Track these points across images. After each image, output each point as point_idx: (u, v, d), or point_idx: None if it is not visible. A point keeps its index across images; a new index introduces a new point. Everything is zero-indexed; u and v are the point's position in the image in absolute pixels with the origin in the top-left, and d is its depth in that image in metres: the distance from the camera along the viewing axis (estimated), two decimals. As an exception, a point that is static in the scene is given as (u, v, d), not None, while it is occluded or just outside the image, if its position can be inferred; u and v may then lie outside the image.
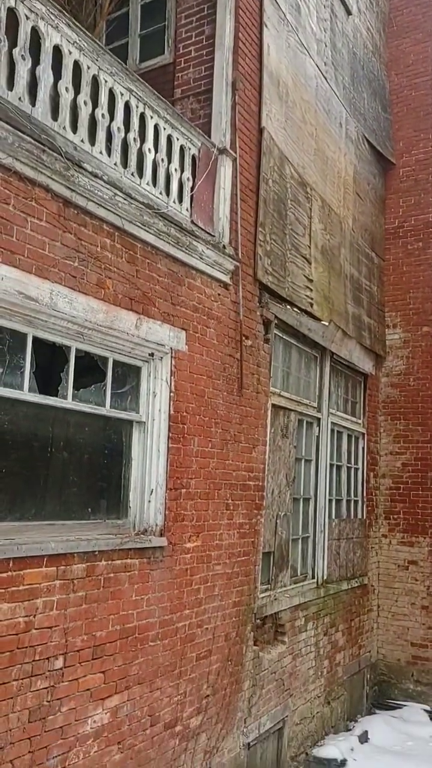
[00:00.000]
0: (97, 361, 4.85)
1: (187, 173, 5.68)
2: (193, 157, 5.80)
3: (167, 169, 5.47)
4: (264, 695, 6.37)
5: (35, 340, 4.27)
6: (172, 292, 5.37)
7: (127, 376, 5.13)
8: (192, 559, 5.44)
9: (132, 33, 7.45)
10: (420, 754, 7.49)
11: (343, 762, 7.02)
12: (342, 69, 8.86)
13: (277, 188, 6.94)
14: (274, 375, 6.97)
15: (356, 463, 9.13)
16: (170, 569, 5.17)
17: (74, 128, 4.53)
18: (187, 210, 5.63)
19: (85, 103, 4.60)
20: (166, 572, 5.12)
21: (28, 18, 4.15)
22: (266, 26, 6.84)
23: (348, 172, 8.91)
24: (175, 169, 5.53)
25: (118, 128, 4.92)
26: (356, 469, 9.12)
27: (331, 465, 8.32)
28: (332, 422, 8.31)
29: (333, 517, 8.29)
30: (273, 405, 6.87)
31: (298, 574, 7.53)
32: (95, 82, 4.74)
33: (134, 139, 5.09)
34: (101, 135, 4.76)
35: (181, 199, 5.60)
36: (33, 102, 4.19)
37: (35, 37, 4.24)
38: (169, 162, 5.50)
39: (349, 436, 8.94)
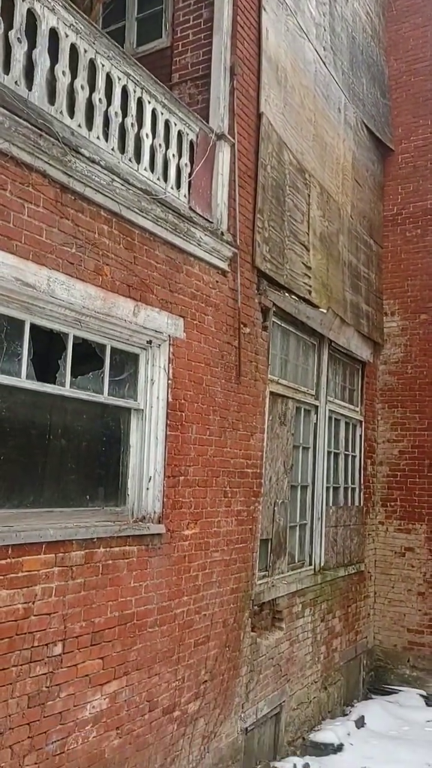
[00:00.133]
0: (94, 348, 4.83)
1: (185, 159, 5.64)
2: (191, 143, 5.75)
3: (165, 154, 5.43)
4: (261, 681, 6.41)
5: (33, 327, 4.25)
6: (170, 279, 5.34)
7: (125, 363, 5.12)
8: (190, 546, 5.45)
9: (129, 16, 7.36)
10: (416, 738, 7.56)
11: (340, 746, 7.09)
12: (341, 54, 8.78)
13: (276, 174, 6.90)
14: (272, 362, 6.96)
15: (354, 450, 9.15)
16: (168, 556, 5.18)
17: (71, 113, 4.48)
18: (185, 196, 5.60)
19: (82, 87, 4.55)
20: (165, 559, 5.13)
21: (24, 0, 4.10)
22: (265, 10, 6.77)
23: (347, 159, 8.86)
24: (173, 155, 5.49)
25: (116, 113, 4.88)
26: (353, 457, 9.14)
27: (329, 452, 8.33)
28: (330, 410, 8.32)
29: (330, 504, 8.31)
30: (271, 392, 6.87)
31: (296, 560, 7.56)
32: (92, 66, 4.69)
33: (132, 124, 5.04)
34: (99, 120, 4.71)
35: (179, 185, 5.56)
36: (30, 86, 4.14)
37: (31, 19, 4.18)
38: (167, 147, 5.46)
39: (347, 424, 8.95)
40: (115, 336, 4.88)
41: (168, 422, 5.25)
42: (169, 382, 5.28)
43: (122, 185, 4.71)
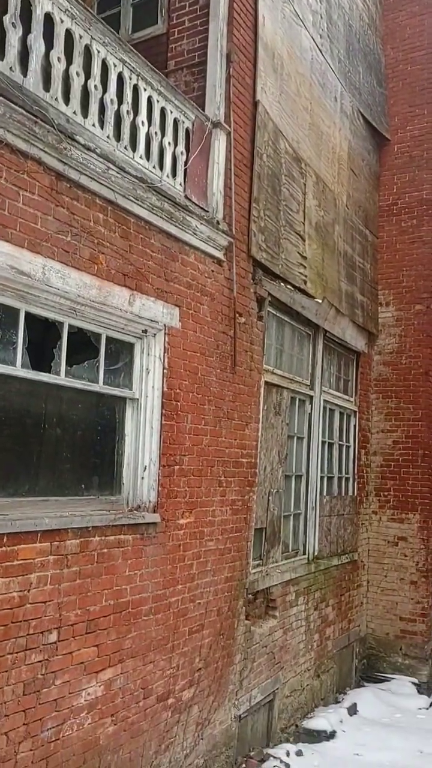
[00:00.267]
0: (90, 337, 4.82)
1: (181, 147, 5.61)
2: (187, 131, 5.72)
3: (161, 142, 5.39)
4: (255, 668, 6.46)
5: (28, 315, 4.23)
6: (166, 268, 5.33)
7: (120, 352, 5.11)
8: (185, 535, 5.47)
9: (124, 2, 7.29)
10: (408, 725, 7.65)
11: (333, 733, 7.15)
12: (337, 42, 8.73)
13: (272, 163, 6.87)
14: (267, 352, 6.96)
15: (348, 440, 9.18)
16: (163, 545, 5.20)
17: (66, 100, 4.44)
18: (180, 185, 5.57)
19: (77, 73, 4.51)
20: (159, 548, 5.15)
21: (18, -16, 4.05)
22: (261, -4, 6.71)
23: (342, 148, 8.83)
24: (169, 143, 5.46)
25: (111, 100, 4.84)
26: (348, 447, 9.17)
27: (323, 442, 8.35)
28: (324, 400, 8.33)
29: (324, 494, 8.35)
30: (266, 382, 6.87)
31: (290, 550, 7.60)
32: (88, 53, 4.64)
33: (127, 111, 5.00)
34: (94, 107, 4.67)
35: (174, 174, 5.53)
36: (24, 72, 4.10)
37: (26, 4, 4.13)
38: (163, 135, 5.42)
39: (341, 414, 8.97)
40: (110, 325, 4.86)
41: (163, 412, 5.25)
42: (165, 371, 5.27)
43: (118, 173, 4.68)
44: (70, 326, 4.56)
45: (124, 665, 4.75)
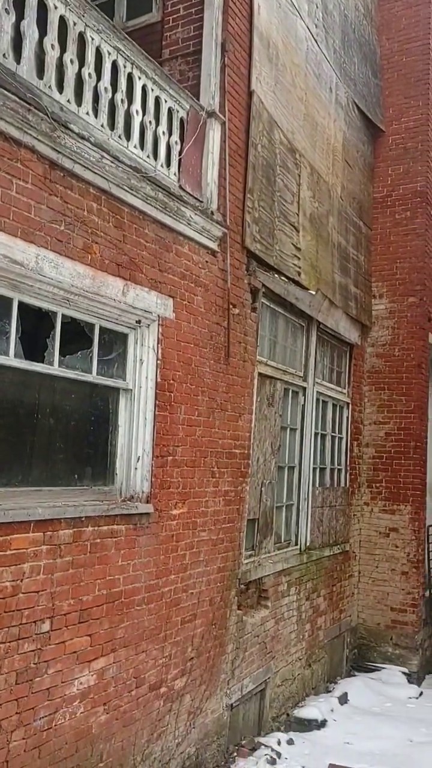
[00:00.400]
0: (83, 327, 4.80)
1: (175, 137, 5.58)
2: (182, 120, 5.69)
3: (155, 132, 5.36)
4: (247, 658, 6.50)
5: (21, 305, 4.21)
6: (160, 258, 5.31)
7: (114, 343, 5.10)
8: (178, 525, 5.48)
9: (119, -11, 7.24)
10: (398, 715, 7.72)
11: (323, 722, 7.21)
12: (333, 32, 8.69)
13: (266, 154, 6.85)
14: (261, 344, 6.96)
15: (340, 432, 9.21)
16: (156, 535, 5.21)
17: (60, 88, 4.41)
18: (174, 174, 5.54)
19: (71, 61, 4.47)
20: (152, 538, 5.16)
21: (12, -30, 4.01)
22: (257, -15, 6.67)
23: (337, 139, 8.80)
24: (163, 132, 5.43)
25: (106, 89, 4.81)
26: (340, 439, 9.20)
27: (316, 434, 8.38)
28: (317, 392, 8.35)
29: (317, 485, 8.38)
30: (259, 374, 6.88)
31: (282, 540, 7.63)
32: (82, 40, 4.60)
33: (122, 100, 4.97)
34: (88, 95, 4.64)
35: (168, 164, 5.51)
36: (18, 59, 4.06)
37: (20, -10, 4.09)
38: (157, 125, 5.39)
39: (334, 406, 8.99)
40: (104, 315, 4.85)
41: (157, 402, 5.25)
42: (158, 362, 5.27)
43: (112, 162, 4.66)
44: (64, 316, 4.55)
45: (116, 654, 4.76)
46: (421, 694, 8.51)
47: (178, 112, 5.63)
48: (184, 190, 5.56)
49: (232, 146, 6.25)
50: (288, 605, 7.38)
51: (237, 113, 6.37)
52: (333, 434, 8.96)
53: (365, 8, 9.81)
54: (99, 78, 4.76)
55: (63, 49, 4.41)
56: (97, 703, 4.58)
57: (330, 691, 8.17)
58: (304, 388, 8.04)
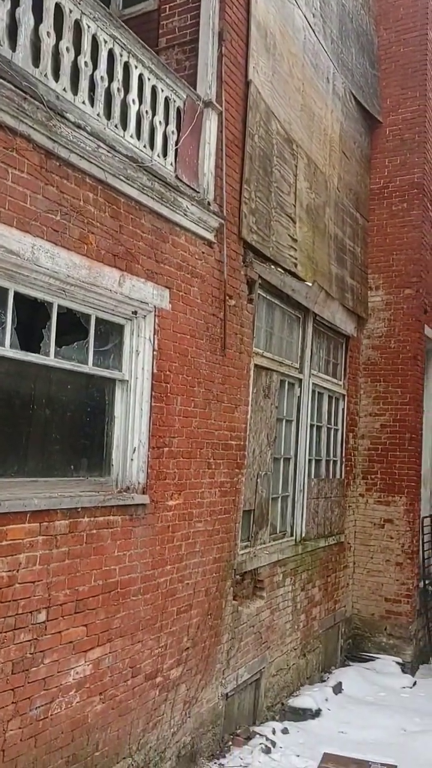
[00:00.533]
0: (79, 318, 4.79)
1: (172, 126, 5.55)
2: (178, 110, 5.66)
3: (151, 121, 5.33)
4: (242, 648, 6.53)
5: (17, 295, 4.20)
6: (156, 249, 5.29)
7: (110, 334, 5.09)
8: (174, 516, 5.49)
9: (115, -23, 7.17)
10: (392, 704, 7.78)
11: (318, 712, 7.26)
12: (330, 21, 8.64)
13: (263, 144, 6.82)
14: (257, 335, 6.96)
15: (336, 424, 9.22)
16: (152, 526, 5.22)
17: (56, 76, 4.37)
18: (171, 164, 5.52)
19: (67, 49, 4.43)
20: (148, 529, 5.17)
21: None
22: (254, -26, 6.62)
23: (334, 130, 8.77)
24: (160, 122, 5.40)
25: (102, 77, 4.77)
26: (336, 430, 9.22)
27: (312, 426, 8.39)
28: (313, 383, 8.36)
29: (312, 476, 8.40)
30: (256, 365, 6.88)
31: (277, 531, 7.65)
32: (78, 28, 4.57)
33: (118, 89, 4.93)
34: (84, 84, 4.61)
35: (165, 154, 5.48)
36: (13, 47, 4.03)
37: (15, -23, 4.05)
38: (154, 114, 5.36)
39: (330, 398, 9.01)
40: (100, 306, 4.83)
41: (153, 393, 5.24)
42: (155, 353, 5.26)
43: (108, 152, 4.63)
44: (60, 307, 4.53)
45: (112, 644, 4.78)
46: (414, 683, 8.57)
47: (174, 101, 5.59)
48: (180, 181, 5.53)
49: (229, 136, 6.22)
50: (283, 596, 7.41)
51: (234, 103, 6.34)
52: (329, 426, 8.98)
53: (363, -2, 9.75)
54: (95, 67, 4.72)
55: (59, 37, 4.38)
56: (93, 693, 4.60)
57: (324, 681, 8.23)
58: (300, 380, 8.04)
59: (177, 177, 5.52)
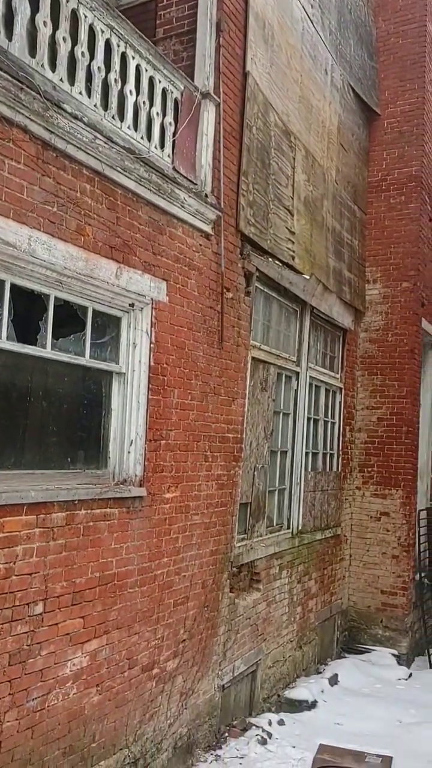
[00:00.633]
0: (76, 310, 4.78)
1: (170, 118, 5.52)
2: (176, 101, 5.62)
3: (149, 112, 5.30)
4: (239, 640, 6.55)
5: (13, 287, 4.18)
6: (153, 241, 5.27)
7: (107, 326, 5.07)
8: (171, 509, 5.49)
9: (112, -34, 7.11)
10: (387, 696, 7.82)
11: (314, 703, 7.30)
12: (329, 12, 8.59)
13: (261, 136, 6.79)
14: (255, 328, 6.95)
15: (333, 417, 9.23)
16: (149, 518, 5.22)
17: (53, 67, 4.34)
18: (168, 156, 5.49)
19: (64, 39, 4.40)
20: (145, 521, 5.17)
21: None
22: (253, -36, 6.57)
23: (332, 122, 8.74)
24: (157, 113, 5.37)
25: (99, 68, 4.74)
26: (333, 423, 9.23)
27: (309, 419, 8.40)
28: (311, 376, 8.35)
29: (309, 469, 8.41)
30: (253, 358, 6.87)
31: (274, 524, 7.67)
32: (74, 17, 4.53)
33: (115, 80, 4.90)
34: (81, 74, 4.57)
35: (162, 145, 5.45)
36: (9, 36, 4.00)
37: (11, -35, 4.01)
38: (151, 105, 5.33)
39: (327, 391, 9.01)
40: (97, 298, 4.82)
41: (150, 386, 5.24)
42: (152, 345, 5.25)
43: (105, 143, 4.60)
44: (57, 299, 4.52)
45: (109, 636, 4.79)
46: (410, 675, 8.62)
47: (172, 92, 5.56)
48: (178, 172, 5.51)
49: (226, 128, 6.20)
50: (280, 588, 7.43)
51: (232, 95, 6.30)
52: (326, 419, 8.98)
53: (362, -11, 9.70)
54: (92, 57, 4.69)
55: (56, 27, 4.34)
56: (89, 685, 4.61)
57: (320, 673, 8.26)
58: (298, 373, 8.04)
59: (174, 169, 5.49)
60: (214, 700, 6.14)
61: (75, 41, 4.52)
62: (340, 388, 9.35)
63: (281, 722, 6.60)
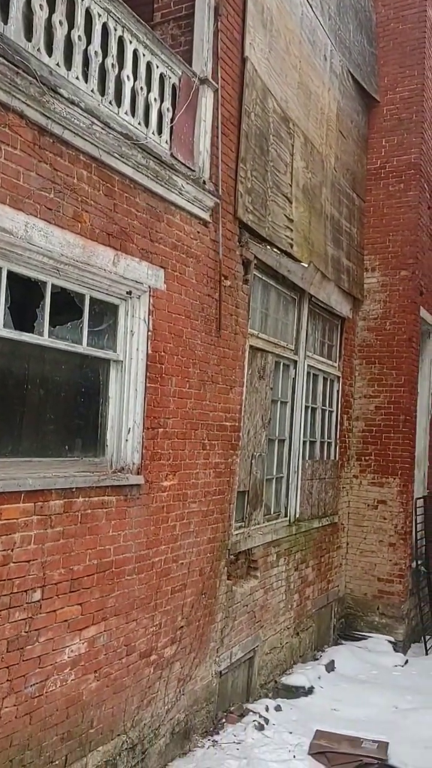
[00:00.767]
0: (73, 297, 4.75)
1: (167, 103, 5.47)
2: (174, 87, 5.58)
3: (146, 98, 5.26)
4: (236, 627, 6.58)
5: (10, 274, 4.16)
6: (151, 228, 5.24)
7: (105, 314, 5.05)
8: (168, 497, 5.50)
9: None
10: (384, 682, 7.87)
11: (311, 689, 7.35)
12: (328, -3, 8.51)
13: (259, 122, 6.74)
14: (253, 316, 6.93)
15: (331, 405, 9.23)
16: (147, 506, 5.23)
17: (49, 51, 4.29)
18: (166, 142, 5.45)
19: (60, 23, 4.35)
20: (143, 509, 5.18)
21: None
22: None
23: (331, 109, 8.68)
24: (155, 99, 5.32)
25: (96, 52, 4.69)
26: (330, 412, 9.23)
27: (306, 407, 8.40)
28: (308, 365, 8.35)
29: (307, 458, 8.42)
30: (251, 346, 6.86)
31: (272, 512, 7.69)
32: (71, 1, 4.47)
33: (112, 65, 4.86)
34: (78, 59, 4.53)
35: (160, 131, 5.41)
36: (5, 20, 3.95)
37: None
38: (149, 91, 5.28)
39: (325, 379, 9.00)
40: (94, 285, 4.80)
41: (147, 374, 5.23)
42: (149, 333, 5.23)
43: (102, 129, 4.57)
44: (54, 286, 4.49)
45: (107, 623, 4.81)
46: (406, 662, 8.68)
47: (170, 78, 5.51)
48: (175, 159, 5.47)
49: (224, 114, 6.15)
50: (277, 575, 7.47)
51: (230, 80, 6.25)
52: (323, 407, 8.98)
53: (361, -27, 9.60)
54: (89, 41, 4.64)
55: (52, 10, 4.29)
56: (87, 671, 4.64)
57: (317, 659, 8.32)
58: (295, 362, 8.03)
59: (172, 155, 5.45)
60: (211, 686, 6.18)
61: (72, 25, 4.47)
62: (338, 377, 9.35)
63: (278, 708, 6.65)
